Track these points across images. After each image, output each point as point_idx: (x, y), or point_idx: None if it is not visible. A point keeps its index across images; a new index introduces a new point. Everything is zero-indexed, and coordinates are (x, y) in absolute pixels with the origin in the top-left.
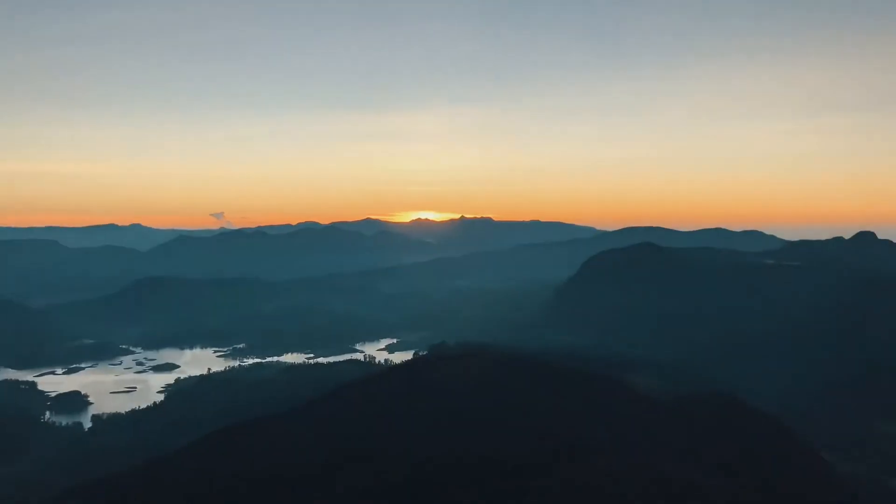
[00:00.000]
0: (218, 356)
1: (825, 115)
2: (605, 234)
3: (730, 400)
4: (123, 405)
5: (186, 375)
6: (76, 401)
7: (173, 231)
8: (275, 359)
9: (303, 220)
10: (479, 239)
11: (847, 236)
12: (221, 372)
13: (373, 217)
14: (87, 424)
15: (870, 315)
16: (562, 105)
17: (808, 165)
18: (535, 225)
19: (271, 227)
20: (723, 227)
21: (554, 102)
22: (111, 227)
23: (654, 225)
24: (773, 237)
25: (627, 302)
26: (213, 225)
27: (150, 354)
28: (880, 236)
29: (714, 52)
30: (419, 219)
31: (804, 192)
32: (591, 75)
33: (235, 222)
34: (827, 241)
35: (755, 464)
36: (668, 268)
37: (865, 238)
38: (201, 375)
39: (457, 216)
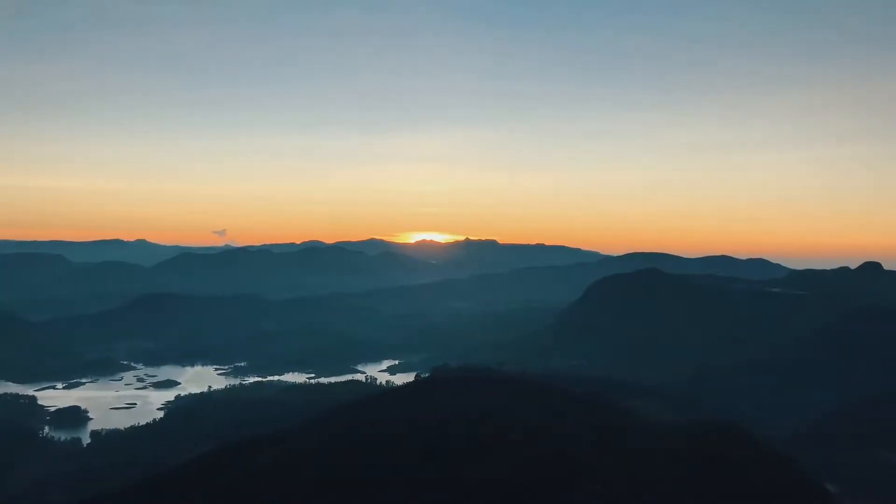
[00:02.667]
0: (219, 374)
1: (833, 145)
2: (610, 259)
3: (733, 428)
4: (123, 421)
5: (187, 393)
6: (76, 416)
7: (177, 247)
8: (276, 378)
9: (307, 239)
10: (483, 261)
11: (853, 266)
12: (222, 390)
13: (377, 237)
14: (87, 440)
15: (875, 345)
16: (568, 129)
17: (815, 195)
18: (540, 248)
19: (275, 245)
20: (728, 254)
21: (560, 126)
22: (116, 242)
23: (660, 251)
24: (778, 266)
25: (632, 327)
26: (217, 242)
27: (151, 371)
28: (886, 267)
29: (723, 79)
30: (423, 240)
31: (811, 222)
32: (598, 99)
33: (238, 240)
34: (833, 270)
35: (757, 494)
36: (674, 294)
37: (872, 269)
38: (202, 393)
39: (461, 238)
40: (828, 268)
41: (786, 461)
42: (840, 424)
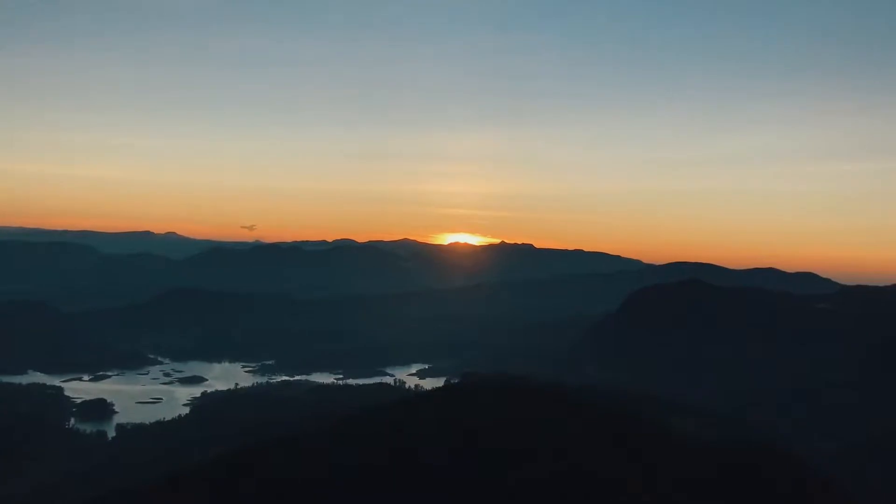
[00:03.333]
0: (246, 371)
1: (889, 157)
2: (651, 268)
3: (775, 449)
4: (149, 416)
5: (213, 389)
6: (101, 409)
7: (207, 242)
8: (303, 377)
9: (339, 237)
10: (518, 265)
11: None
12: (249, 388)
13: (410, 238)
14: (111, 433)
15: None
16: (609, 132)
17: (868, 207)
18: (578, 254)
19: (306, 242)
20: (775, 267)
21: (601, 129)
22: (146, 235)
23: (704, 261)
24: (828, 281)
25: (672, 340)
26: (247, 237)
27: (178, 366)
28: None
29: (774, 86)
30: (457, 242)
31: (863, 236)
32: (644, 104)
33: (267, 235)
34: (885, 287)
35: None
36: (718, 307)
37: None
38: (228, 390)
39: (496, 241)
40: (881, 284)
41: (829, 484)
42: (887, 449)
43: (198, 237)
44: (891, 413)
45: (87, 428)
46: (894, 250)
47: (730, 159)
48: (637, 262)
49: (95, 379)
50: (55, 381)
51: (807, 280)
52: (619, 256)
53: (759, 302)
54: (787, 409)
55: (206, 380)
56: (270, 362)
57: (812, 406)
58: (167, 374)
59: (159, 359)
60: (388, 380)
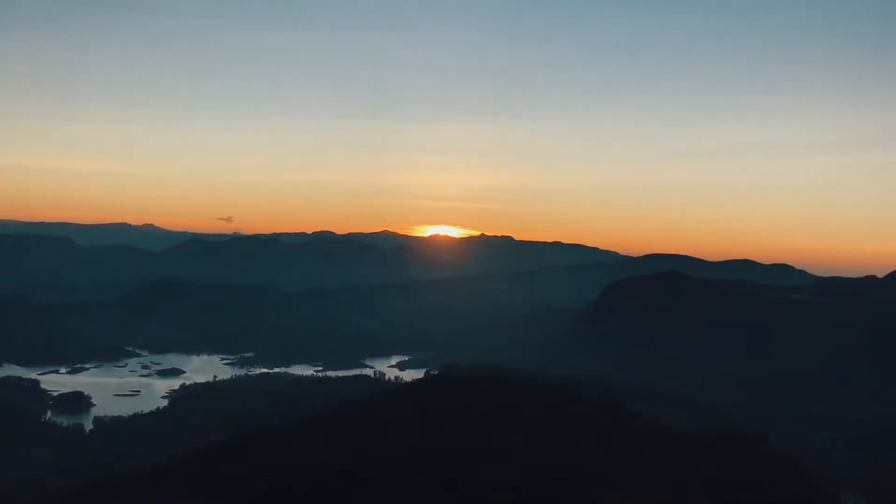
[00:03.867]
0: (225, 364)
1: (861, 150)
2: (629, 260)
3: (749, 438)
4: (126, 409)
5: (192, 382)
6: (79, 401)
7: (185, 234)
8: (283, 370)
9: (318, 230)
10: (498, 257)
11: (881, 275)
12: (227, 380)
13: (390, 230)
14: (89, 426)
15: None
16: (590, 125)
17: (843, 200)
18: (557, 246)
19: (286, 234)
20: (751, 259)
21: (582, 122)
22: (124, 226)
23: (680, 253)
24: (803, 272)
25: (650, 331)
26: (225, 229)
27: (157, 358)
28: None
29: (750, 80)
30: (437, 234)
31: (837, 228)
32: (622, 96)
33: (246, 227)
34: (859, 278)
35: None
36: (694, 298)
37: None
38: (207, 383)
39: (476, 233)
40: (854, 276)
41: (801, 472)
42: (863, 438)
43: (176, 229)
44: (864, 402)
45: (64, 421)
46: (868, 243)
47: (707, 153)
48: (614, 254)
49: (73, 372)
50: (31, 374)
51: (782, 272)
52: (596, 248)
53: (735, 293)
54: (762, 397)
55: (185, 372)
56: (249, 354)
57: (787, 396)
58: (145, 367)
59: (137, 351)
60: (368, 372)
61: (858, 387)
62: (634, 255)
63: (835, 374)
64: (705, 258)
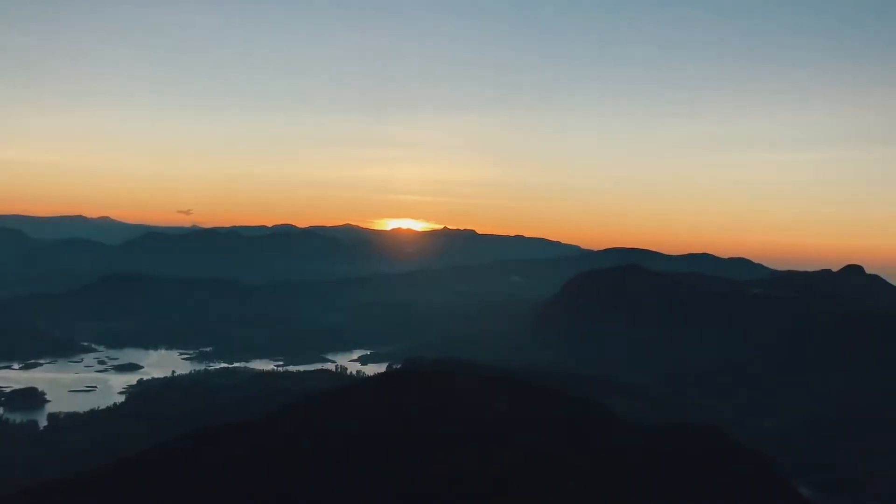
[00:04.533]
0: (183, 359)
1: (819, 148)
2: (589, 254)
3: (709, 429)
4: (82, 405)
5: (150, 377)
6: (32, 398)
7: (142, 226)
8: (243, 364)
9: (279, 223)
10: (460, 251)
11: (835, 269)
12: (186, 375)
13: (352, 223)
14: (43, 423)
15: (856, 347)
16: (552, 121)
17: (800, 196)
18: (519, 240)
19: (246, 227)
20: (710, 253)
21: (543, 118)
22: (78, 219)
23: (641, 247)
24: (760, 266)
25: (610, 323)
26: (184, 222)
27: (113, 353)
28: (868, 271)
29: (717, 77)
30: (399, 228)
31: (793, 223)
32: (583, 91)
33: (204, 221)
34: (815, 272)
35: (732, 494)
36: (654, 291)
37: (853, 271)
38: (165, 378)
39: (439, 227)
40: (810, 269)
41: (761, 462)
42: (818, 427)
43: (132, 222)
44: (822, 392)
45: (17, 417)
46: (823, 238)
47: (668, 147)
48: (575, 248)
49: (26, 367)
50: None
51: (741, 266)
52: (558, 242)
53: (694, 286)
54: (721, 390)
55: (143, 367)
56: (209, 349)
57: (746, 387)
58: (101, 362)
59: (93, 346)
60: (330, 366)
61: (814, 377)
62: (595, 248)
63: (792, 365)
64: (665, 252)
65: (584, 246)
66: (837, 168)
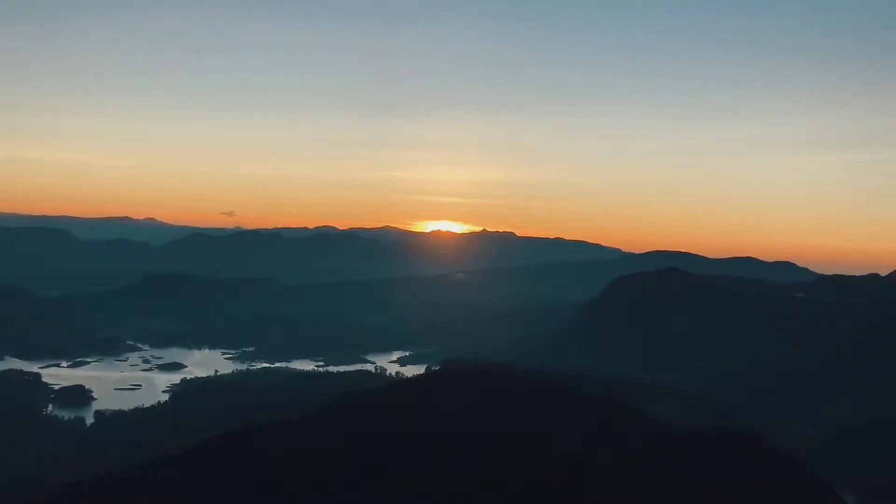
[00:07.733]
0: (226, 358)
1: (866, 149)
2: (631, 257)
3: (751, 435)
4: (127, 403)
5: (193, 376)
6: (80, 395)
7: (187, 228)
8: (284, 364)
9: (320, 224)
10: (499, 253)
11: (883, 273)
12: (229, 375)
13: (391, 225)
14: (90, 420)
15: None
16: (592, 122)
17: (847, 199)
18: (559, 243)
19: (287, 229)
20: (754, 256)
21: (586, 118)
22: (125, 220)
23: (683, 250)
24: (805, 270)
25: (652, 327)
26: (226, 223)
27: (158, 352)
28: None
29: (755, 78)
30: (439, 230)
31: (840, 226)
32: (626, 92)
33: (247, 222)
34: (862, 276)
35: (772, 502)
36: (696, 295)
37: None
38: (208, 377)
39: (478, 229)
40: (857, 274)
41: (802, 470)
42: (863, 436)
43: (177, 223)
44: (868, 399)
45: (66, 414)
46: (871, 241)
47: (710, 149)
48: (617, 251)
49: (74, 365)
50: (33, 368)
51: (785, 269)
52: (599, 245)
53: (737, 290)
54: (765, 395)
55: (186, 366)
56: (251, 349)
57: (789, 393)
58: (146, 361)
59: (138, 345)
60: (370, 367)
61: (858, 383)
62: (637, 251)
63: (836, 370)
64: (708, 255)
65: (625, 249)
66: (888, 169)
